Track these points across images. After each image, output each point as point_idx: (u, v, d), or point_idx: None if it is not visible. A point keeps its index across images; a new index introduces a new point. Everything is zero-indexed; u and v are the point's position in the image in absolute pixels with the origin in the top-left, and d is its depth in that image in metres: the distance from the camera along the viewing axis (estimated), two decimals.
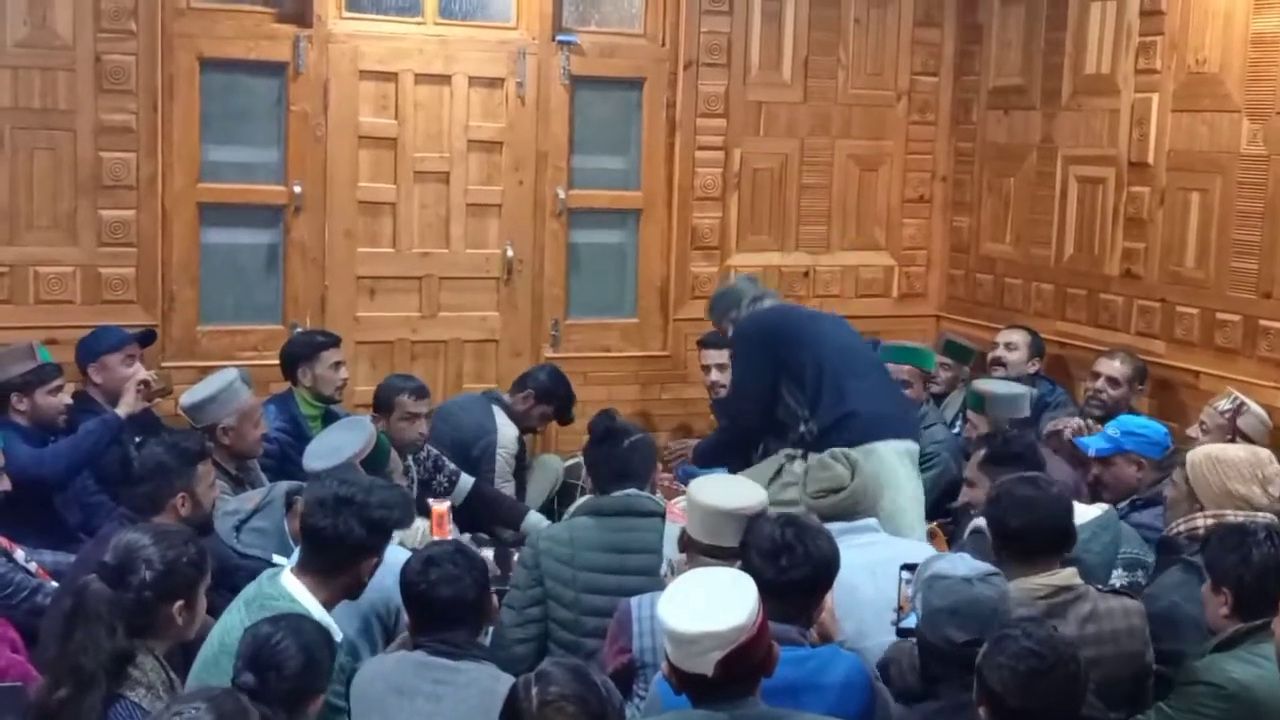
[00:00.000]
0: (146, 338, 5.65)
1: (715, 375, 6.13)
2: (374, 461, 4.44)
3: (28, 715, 3.01)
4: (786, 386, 5.05)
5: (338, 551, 3.51)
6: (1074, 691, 2.93)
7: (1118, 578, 4.10)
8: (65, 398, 5.09)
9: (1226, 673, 3.38)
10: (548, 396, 6.03)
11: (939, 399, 6.43)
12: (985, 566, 3.35)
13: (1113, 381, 5.72)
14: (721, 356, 5.99)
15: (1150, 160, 6.06)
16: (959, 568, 3.30)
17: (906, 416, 5.17)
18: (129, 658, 2.98)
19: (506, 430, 5.83)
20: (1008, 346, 6.23)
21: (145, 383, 5.17)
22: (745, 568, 3.33)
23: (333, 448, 4.44)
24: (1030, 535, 3.66)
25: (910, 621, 3.49)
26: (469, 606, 3.39)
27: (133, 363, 5.36)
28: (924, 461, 5.41)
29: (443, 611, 3.36)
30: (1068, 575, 3.65)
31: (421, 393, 5.44)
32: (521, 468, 5.93)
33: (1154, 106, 6.03)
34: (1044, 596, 3.58)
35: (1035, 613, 3.43)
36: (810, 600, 3.40)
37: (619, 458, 4.23)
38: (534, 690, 2.69)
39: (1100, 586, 3.79)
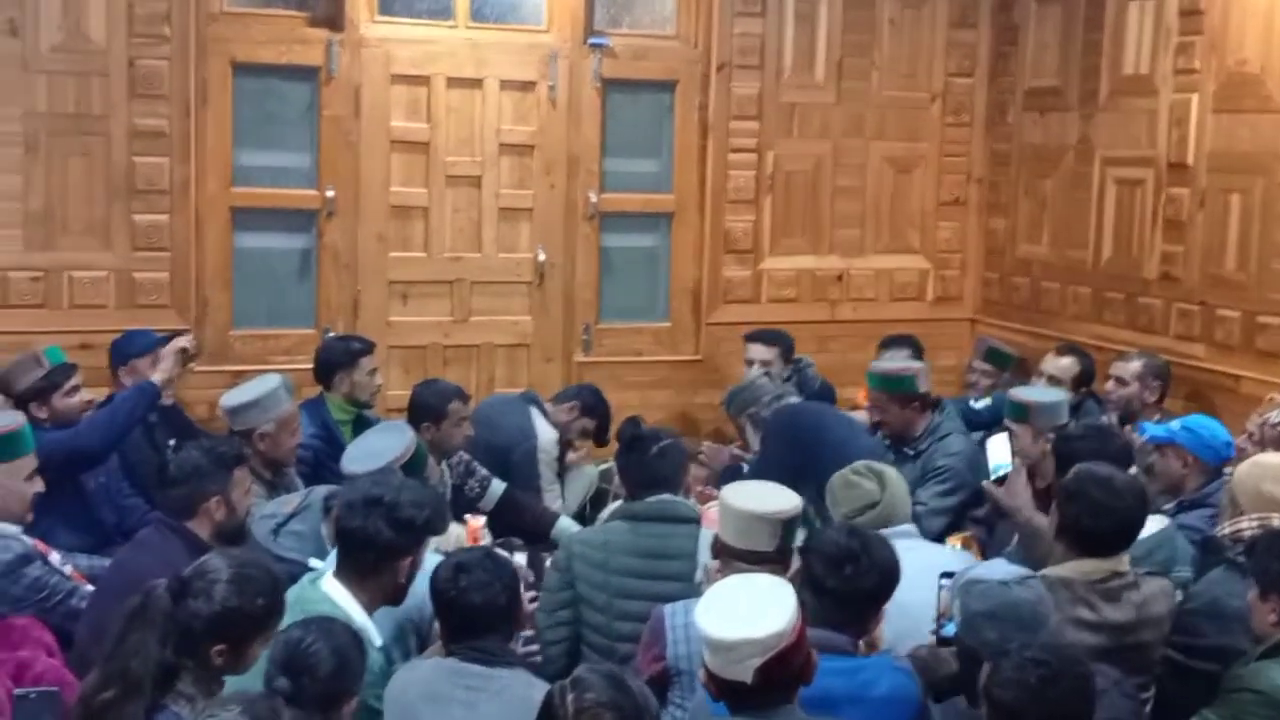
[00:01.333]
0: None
1: (756, 372, 6.11)
2: (413, 467, 4.41)
3: (71, 710, 2.99)
4: (804, 489, 4.99)
5: (370, 553, 3.51)
6: (1084, 696, 2.89)
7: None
8: (84, 395, 5.08)
9: (1273, 680, 3.35)
10: (591, 411, 6.02)
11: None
12: (1022, 570, 3.34)
13: (1120, 381, 5.66)
14: (769, 354, 6.09)
15: (1190, 161, 5.99)
16: (995, 572, 3.29)
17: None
18: (176, 672, 2.95)
19: (546, 434, 5.79)
20: (1050, 380, 5.89)
21: (184, 349, 5.15)
22: (806, 575, 3.32)
23: (373, 452, 4.41)
24: (1100, 535, 3.72)
25: (950, 630, 3.48)
26: (500, 613, 3.36)
27: (184, 374, 5.42)
28: (937, 478, 5.35)
29: (474, 618, 3.33)
30: (1122, 561, 3.72)
31: (465, 395, 5.47)
32: (563, 468, 5.91)
33: (1193, 107, 5.97)
34: (1099, 580, 3.66)
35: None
36: (872, 609, 3.37)
37: (648, 464, 4.22)
38: (570, 696, 2.66)
39: (1140, 571, 3.82)
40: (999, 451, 4.93)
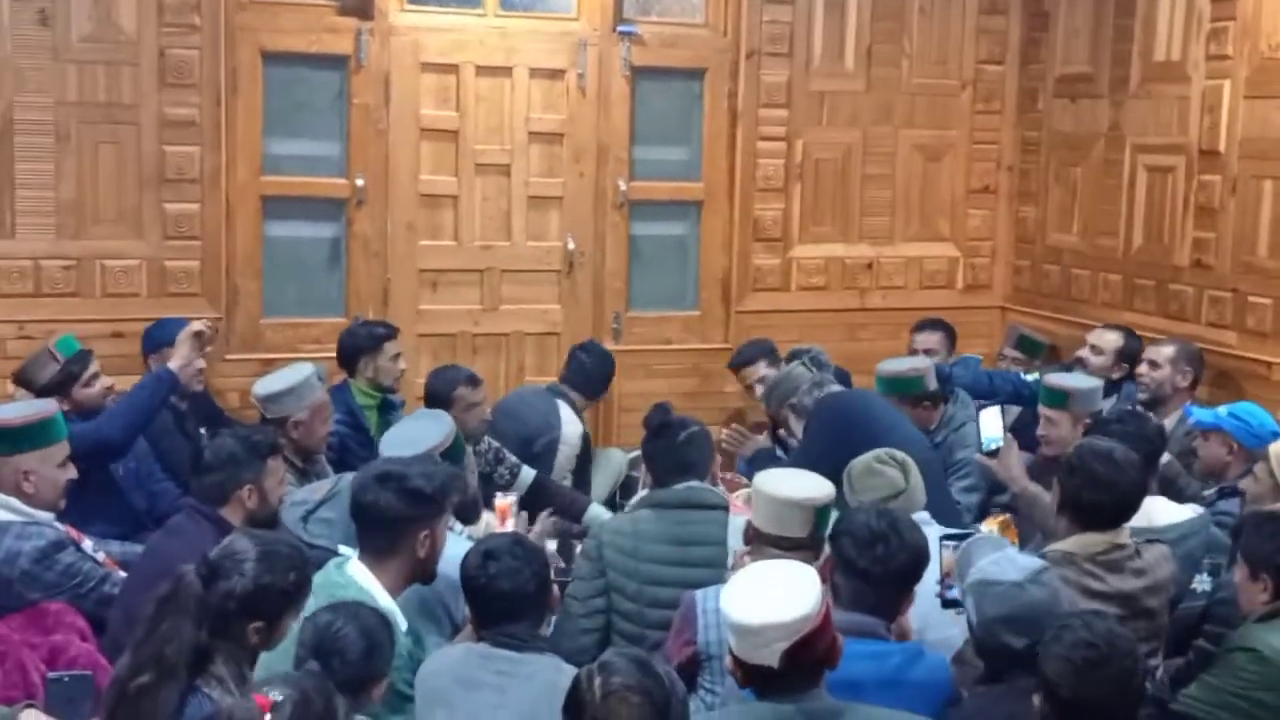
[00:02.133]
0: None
1: (761, 388, 6.06)
2: (452, 455, 4.40)
3: (105, 694, 3.02)
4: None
5: (383, 527, 3.55)
6: (1130, 686, 2.91)
7: (1199, 583, 4.03)
8: (104, 382, 5.11)
9: (1264, 639, 3.46)
10: (587, 381, 6.06)
11: None
12: (1034, 564, 3.32)
13: (1153, 364, 5.63)
14: (758, 371, 6.09)
15: (1221, 148, 5.94)
16: (1008, 571, 3.26)
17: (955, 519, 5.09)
18: (209, 655, 2.98)
19: (571, 427, 5.82)
20: (1094, 350, 5.97)
21: (199, 333, 5.16)
22: (837, 557, 3.33)
23: (412, 438, 4.40)
24: (1101, 509, 3.81)
25: (955, 593, 3.59)
26: (529, 599, 3.38)
27: (201, 358, 5.40)
28: (958, 472, 5.34)
29: (503, 604, 3.35)
30: (1123, 533, 3.81)
31: (475, 380, 5.44)
32: (586, 462, 5.92)
33: (1225, 93, 5.92)
34: (1101, 552, 3.76)
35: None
36: (903, 591, 3.38)
37: (676, 451, 4.22)
38: (597, 681, 2.67)
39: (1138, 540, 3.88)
40: (991, 424, 4.92)
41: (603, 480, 6.00)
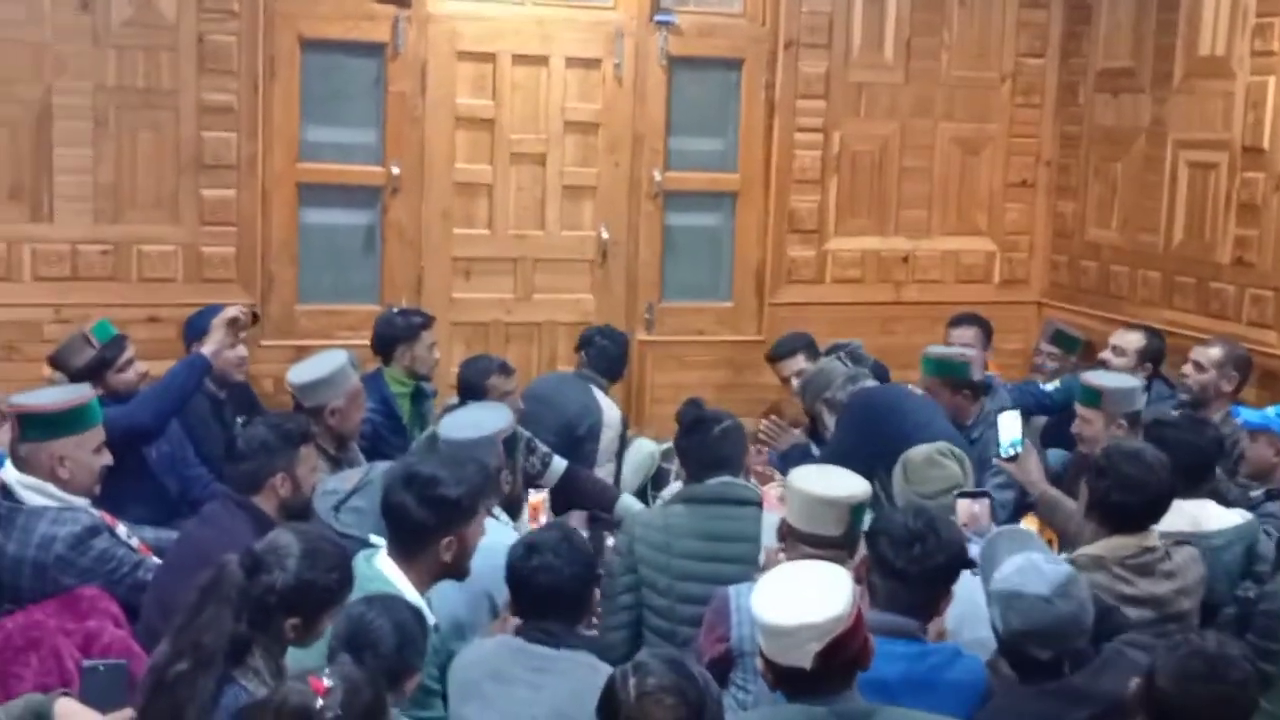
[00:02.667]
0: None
1: (797, 382, 6.04)
2: (512, 445, 4.40)
3: (142, 680, 3.03)
4: (878, 475, 4.96)
5: (405, 530, 3.54)
6: (1237, 705, 2.84)
7: (1244, 589, 3.99)
8: (139, 367, 5.12)
9: None
10: (610, 365, 6.02)
11: None
12: (1060, 573, 3.23)
13: (1198, 366, 5.54)
14: (796, 364, 6.03)
15: (1265, 145, 5.87)
16: (1035, 583, 3.18)
17: None
18: (247, 646, 2.99)
19: (611, 411, 5.84)
20: (1115, 351, 5.94)
21: (234, 319, 5.18)
22: (875, 557, 3.30)
23: (474, 422, 4.38)
24: (1130, 510, 3.81)
25: (974, 547, 3.59)
26: (568, 597, 3.36)
27: (235, 345, 5.42)
28: (993, 469, 5.30)
29: (540, 598, 3.34)
30: (1151, 536, 3.81)
31: (507, 368, 5.50)
32: (622, 448, 5.92)
33: (1270, 90, 5.84)
34: (1131, 556, 3.76)
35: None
36: (941, 590, 3.34)
37: (710, 446, 4.20)
38: (632, 681, 2.66)
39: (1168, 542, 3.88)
40: (1010, 428, 4.89)
41: (633, 471, 5.99)
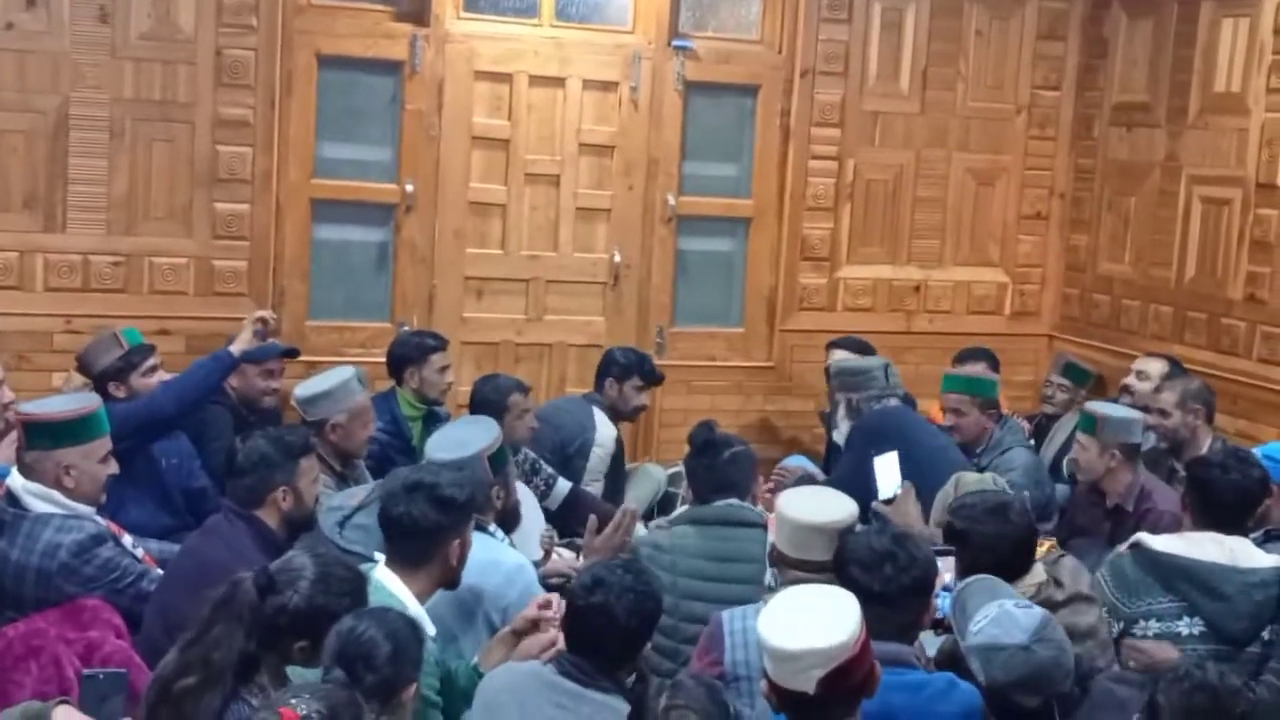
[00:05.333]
0: (289, 353, 5.72)
1: (836, 358, 6.07)
2: (498, 461, 4.39)
3: (147, 691, 3.01)
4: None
5: (416, 537, 3.50)
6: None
7: (1271, 632, 3.93)
8: (161, 375, 5.13)
9: None
10: (628, 371, 6.01)
11: (1053, 420, 6.36)
12: (1035, 618, 3.22)
13: (1162, 413, 5.42)
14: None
15: (1279, 182, 5.87)
16: (1012, 632, 3.18)
17: None
18: (255, 664, 2.97)
19: (605, 430, 5.83)
20: (1139, 375, 5.92)
21: (263, 320, 5.19)
22: (844, 583, 3.26)
23: (460, 440, 4.36)
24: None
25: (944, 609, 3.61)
26: (612, 644, 3.22)
27: (270, 376, 5.53)
28: None
29: (586, 635, 3.23)
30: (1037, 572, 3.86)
31: (525, 388, 5.51)
32: (618, 471, 5.91)
33: None
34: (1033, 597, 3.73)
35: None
36: (921, 604, 3.33)
37: (719, 469, 4.20)
38: (665, 695, 2.72)
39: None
40: (887, 473, 4.93)
41: (641, 495, 5.97)
